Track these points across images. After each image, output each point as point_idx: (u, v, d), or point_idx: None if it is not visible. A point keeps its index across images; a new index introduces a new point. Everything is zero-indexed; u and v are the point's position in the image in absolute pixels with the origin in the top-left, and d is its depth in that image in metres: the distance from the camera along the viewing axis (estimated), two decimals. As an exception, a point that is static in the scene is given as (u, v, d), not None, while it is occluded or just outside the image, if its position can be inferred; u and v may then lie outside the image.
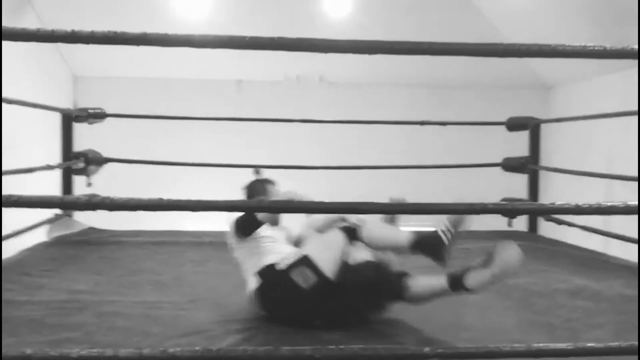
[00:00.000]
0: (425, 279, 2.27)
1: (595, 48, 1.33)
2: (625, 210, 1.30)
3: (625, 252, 4.15)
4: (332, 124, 5.31)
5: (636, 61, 5.00)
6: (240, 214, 2.51)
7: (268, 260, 2.50)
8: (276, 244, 2.60)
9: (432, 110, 5.91)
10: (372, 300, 2.36)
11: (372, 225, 2.42)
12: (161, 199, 1.35)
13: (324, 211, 1.46)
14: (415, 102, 6.47)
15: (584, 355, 1.54)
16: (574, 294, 2.86)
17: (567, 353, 1.52)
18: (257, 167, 2.88)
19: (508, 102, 6.37)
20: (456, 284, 2.09)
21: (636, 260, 3.80)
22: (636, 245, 3.78)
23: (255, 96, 6.32)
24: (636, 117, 4.70)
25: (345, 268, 2.37)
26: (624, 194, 5.07)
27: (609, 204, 1.31)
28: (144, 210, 1.36)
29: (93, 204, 1.31)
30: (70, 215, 4.59)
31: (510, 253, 1.97)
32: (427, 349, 1.43)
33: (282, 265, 2.41)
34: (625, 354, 1.44)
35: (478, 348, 1.47)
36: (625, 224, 4.24)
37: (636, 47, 1.32)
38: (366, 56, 5.12)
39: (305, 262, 2.35)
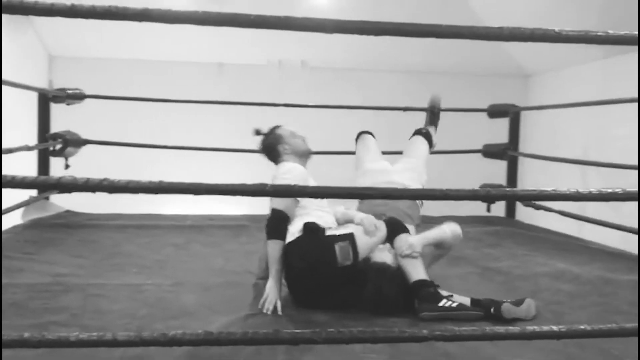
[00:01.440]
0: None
1: (598, 34, 1.34)
2: (625, 196, 1.32)
3: (599, 236, 4.25)
4: (314, 109, 5.27)
5: (615, 50, 5.09)
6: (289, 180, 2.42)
7: (315, 220, 2.46)
8: (322, 212, 2.54)
9: (414, 96, 5.91)
10: (380, 299, 2.35)
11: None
12: (161, 182, 1.33)
13: (325, 196, 1.45)
14: (397, 87, 6.47)
15: (576, 338, 1.57)
16: (556, 277, 2.92)
17: (558, 335, 1.54)
18: (256, 129, 2.75)
19: (487, 89, 6.41)
20: (492, 311, 2.26)
21: (611, 244, 3.90)
22: (611, 230, 3.87)
23: (237, 80, 6.24)
24: (613, 106, 4.79)
25: (367, 263, 2.39)
26: (598, 180, 5.18)
27: (610, 190, 1.33)
28: (144, 193, 1.33)
29: (91, 185, 1.27)
30: (47, 198, 4.50)
31: (531, 307, 2.30)
32: (425, 331, 1.43)
33: (329, 232, 2.41)
34: (622, 335, 1.47)
35: (474, 330, 1.48)
36: (599, 210, 4.34)
37: (636, 33, 1.34)
38: (348, 41, 5.06)
39: (351, 240, 2.35)
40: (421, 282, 2.33)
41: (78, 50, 6.02)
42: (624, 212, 4.38)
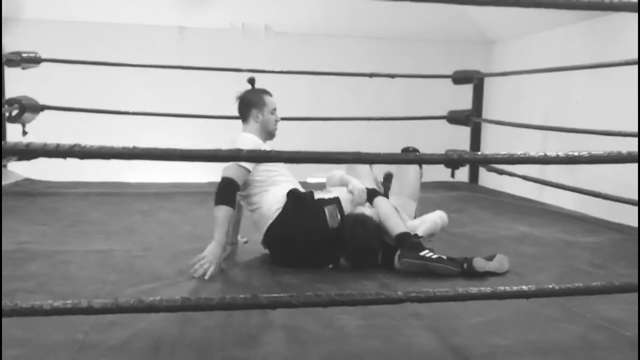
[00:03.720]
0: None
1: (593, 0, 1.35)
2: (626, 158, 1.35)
3: (558, 199, 4.40)
4: (278, 75, 5.21)
5: (577, 17, 5.17)
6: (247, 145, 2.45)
7: (298, 187, 2.56)
8: (289, 178, 2.61)
9: (379, 63, 5.92)
10: (358, 245, 2.44)
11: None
12: (135, 148, 1.30)
13: (300, 161, 1.41)
14: (361, 53, 6.44)
15: (544, 297, 1.63)
16: (519, 240, 3.01)
17: (527, 295, 1.60)
18: (251, 77, 2.73)
19: (451, 56, 6.45)
20: (465, 266, 2.36)
21: (569, 207, 4.04)
22: (569, 194, 4.01)
23: (199, 44, 6.09)
24: (573, 73, 4.89)
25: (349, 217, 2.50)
26: (558, 145, 5.32)
27: (607, 153, 1.36)
28: (117, 158, 1.29)
29: (62, 151, 1.24)
30: (5, 166, 4.37)
31: (504, 262, 2.43)
32: (400, 293, 1.46)
33: (317, 196, 2.51)
34: (588, 294, 1.54)
35: (447, 291, 1.52)
36: (558, 174, 4.47)
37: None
38: (311, 7, 4.99)
39: (337, 203, 2.48)
40: (405, 234, 2.45)
41: (31, 13, 5.76)
42: (580, 175, 4.53)
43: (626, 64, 3.28)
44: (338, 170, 2.76)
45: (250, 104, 2.66)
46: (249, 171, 2.47)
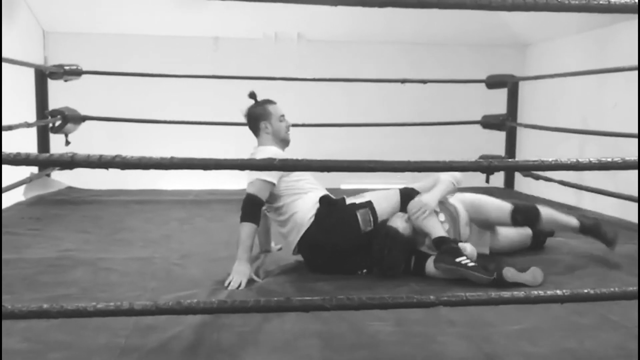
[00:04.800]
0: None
1: (600, 2, 1.36)
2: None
3: (597, 205, 4.30)
4: (310, 82, 5.26)
5: (611, 19, 5.08)
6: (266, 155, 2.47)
7: (327, 194, 2.59)
8: (317, 186, 2.63)
9: (411, 69, 5.91)
10: (384, 262, 2.45)
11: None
12: (173, 158, 1.34)
13: (324, 169, 1.43)
14: (393, 59, 6.45)
15: (579, 301, 1.62)
16: (555, 247, 2.96)
17: (562, 300, 1.59)
18: (252, 92, 2.74)
19: (485, 60, 6.39)
20: (495, 275, 2.31)
21: (609, 213, 3.95)
22: (610, 199, 3.92)
23: (233, 54, 6.20)
24: (610, 75, 4.80)
25: (382, 226, 2.49)
26: (597, 150, 5.22)
27: (610, 159, 1.35)
28: (156, 169, 1.34)
29: (104, 162, 1.29)
30: (48, 175, 4.52)
31: (537, 275, 2.38)
32: (432, 297, 1.48)
33: (348, 201, 2.55)
34: (624, 299, 1.52)
35: (480, 296, 1.53)
36: (597, 179, 4.38)
37: (637, 1, 1.35)
38: (342, 14, 5.01)
39: (370, 207, 2.51)
40: (443, 238, 2.44)
41: (72, 26, 5.95)
42: (621, 180, 4.44)
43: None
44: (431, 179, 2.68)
45: (257, 117, 2.69)
46: (273, 184, 2.50)
